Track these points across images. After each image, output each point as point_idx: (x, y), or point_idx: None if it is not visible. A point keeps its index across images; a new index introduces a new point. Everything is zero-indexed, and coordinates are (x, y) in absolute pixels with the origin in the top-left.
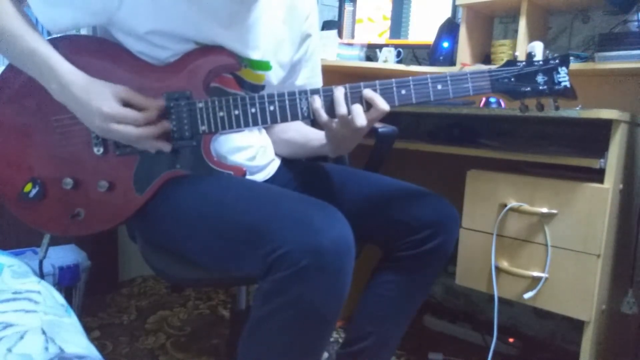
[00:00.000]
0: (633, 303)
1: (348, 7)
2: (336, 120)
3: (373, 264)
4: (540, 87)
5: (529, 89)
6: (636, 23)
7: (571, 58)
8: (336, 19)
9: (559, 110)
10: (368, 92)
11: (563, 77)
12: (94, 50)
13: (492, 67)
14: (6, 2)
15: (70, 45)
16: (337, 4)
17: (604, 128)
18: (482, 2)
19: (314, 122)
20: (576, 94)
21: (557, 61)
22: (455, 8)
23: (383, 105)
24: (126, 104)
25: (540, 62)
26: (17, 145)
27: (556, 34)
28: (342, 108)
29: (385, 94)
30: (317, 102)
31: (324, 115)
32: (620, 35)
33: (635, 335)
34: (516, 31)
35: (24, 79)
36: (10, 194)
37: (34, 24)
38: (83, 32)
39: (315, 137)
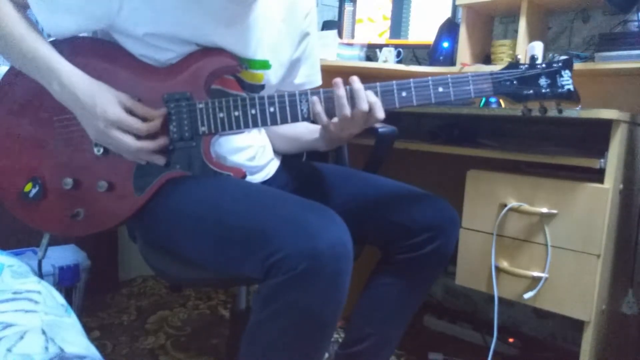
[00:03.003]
0: (633, 303)
1: (348, 7)
2: (335, 120)
3: (372, 266)
4: (543, 90)
5: (531, 92)
6: (636, 23)
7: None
8: (336, 19)
9: None
10: (372, 97)
11: (566, 80)
12: (95, 52)
13: (493, 67)
14: (8, 7)
15: (71, 48)
16: (337, 4)
17: (604, 128)
18: (482, 2)
19: (315, 121)
20: (579, 98)
21: (560, 64)
22: (455, 8)
23: (380, 114)
24: (129, 111)
25: (543, 65)
26: (18, 146)
27: (556, 34)
28: (345, 110)
29: (386, 96)
30: (318, 106)
31: (324, 119)
32: (620, 35)
33: (635, 335)
34: (516, 31)
35: (26, 80)
36: (10, 193)
37: (36, 27)
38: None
39: (307, 131)
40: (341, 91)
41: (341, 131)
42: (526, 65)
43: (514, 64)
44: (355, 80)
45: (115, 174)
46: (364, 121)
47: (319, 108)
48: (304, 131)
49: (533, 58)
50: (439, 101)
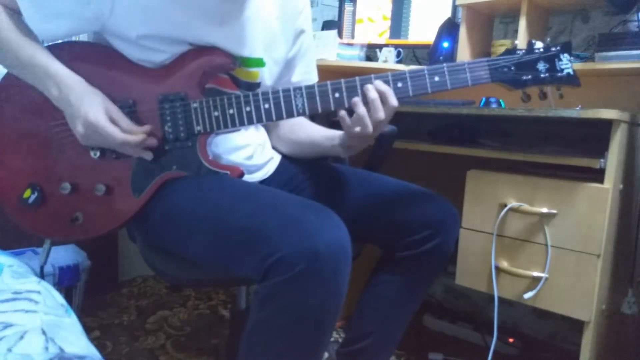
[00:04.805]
0: (633, 303)
1: (348, 7)
2: (358, 129)
3: (372, 264)
4: (542, 75)
5: (529, 77)
6: (636, 23)
7: (571, 58)
8: (336, 19)
9: (559, 110)
10: (381, 85)
11: (565, 63)
12: (90, 55)
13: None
14: (2, 14)
15: (67, 52)
16: (337, 4)
17: (604, 128)
18: (482, 2)
19: (313, 117)
20: (579, 81)
21: (558, 48)
22: (455, 8)
23: (393, 100)
24: (113, 122)
25: (541, 50)
26: (16, 152)
27: (556, 34)
28: (360, 109)
29: None
30: (342, 111)
31: (348, 121)
32: (620, 35)
33: (635, 335)
34: (516, 31)
35: (23, 86)
36: (10, 200)
37: (32, 32)
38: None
39: (324, 137)
40: (361, 110)
41: (363, 140)
42: (523, 51)
43: (511, 50)
44: (371, 90)
45: (112, 177)
46: (378, 131)
47: (343, 113)
48: (321, 138)
49: (531, 43)
50: (436, 90)
